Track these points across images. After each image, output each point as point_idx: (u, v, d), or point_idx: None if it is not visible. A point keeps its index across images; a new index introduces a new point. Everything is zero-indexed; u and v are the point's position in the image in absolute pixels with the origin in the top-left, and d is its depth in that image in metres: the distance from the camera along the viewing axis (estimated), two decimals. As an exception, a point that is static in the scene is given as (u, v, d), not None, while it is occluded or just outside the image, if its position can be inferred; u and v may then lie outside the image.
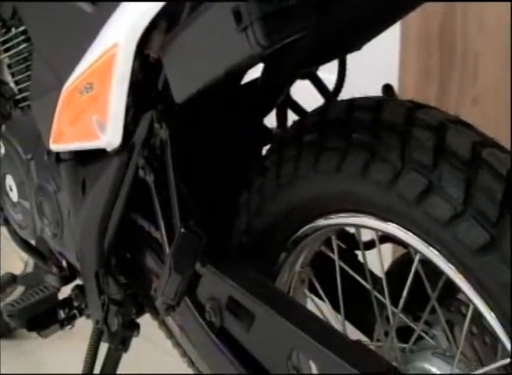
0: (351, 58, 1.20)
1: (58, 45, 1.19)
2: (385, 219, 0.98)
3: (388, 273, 1.11)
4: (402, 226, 0.96)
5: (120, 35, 1.00)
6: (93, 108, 1.10)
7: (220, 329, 1.09)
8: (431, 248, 0.93)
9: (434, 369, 1.05)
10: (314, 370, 1.05)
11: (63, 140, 1.22)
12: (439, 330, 1.09)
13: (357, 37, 1.11)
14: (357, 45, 1.13)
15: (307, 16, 0.86)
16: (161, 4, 0.92)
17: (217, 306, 1.08)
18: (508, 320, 0.87)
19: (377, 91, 1.11)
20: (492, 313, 0.89)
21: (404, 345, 1.09)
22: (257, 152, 1.22)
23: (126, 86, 1.04)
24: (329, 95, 1.21)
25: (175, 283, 1.08)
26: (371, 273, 1.13)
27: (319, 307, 1.20)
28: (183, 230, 1.06)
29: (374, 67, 1.28)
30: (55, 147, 1.24)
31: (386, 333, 1.12)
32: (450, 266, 0.92)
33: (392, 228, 0.97)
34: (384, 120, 0.96)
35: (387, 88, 1.14)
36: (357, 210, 1.01)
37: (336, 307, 1.17)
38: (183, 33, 0.94)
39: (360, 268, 1.14)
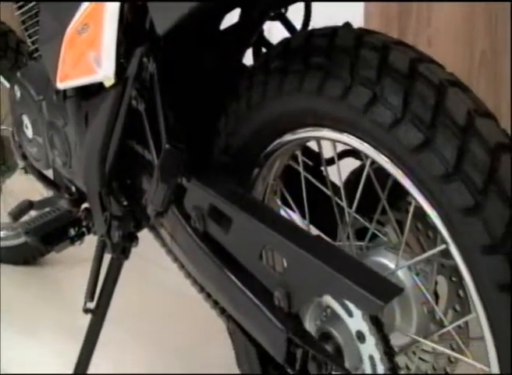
0: (318, 10, 1.21)
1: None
2: (341, 130, 1.00)
3: (346, 182, 1.13)
4: (354, 135, 0.98)
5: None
6: (90, 46, 1.13)
7: (203, 233, 1.12)
8: (378, 152, 0.96)
9: (386, 261, 1.08)
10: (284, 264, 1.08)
11: (68, 78, 1.24)
12: (390, 229, 1.12)
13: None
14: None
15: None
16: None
17: (200, 214, 1.11)
18: (445, 214, 0.90)
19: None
20: (433, 208, 0.92)
21: (361, 243, 1.13)
22: (235, 83, 1.24)
23: (116, 23, 1.06)
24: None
25: (161, 193, 1.11)
26: (333, 184, 1.16)
27: (290, 216, 1.22)
28: (167, 146, 1.09)
29: (340, 17, 1.28)
30: (61, 85, 1.27)
31: (348, 236, 1.15)
32: (395, 167, 0.95)
33: (346, 138, 1.00)
34: (337, 45, 0.98)
35: (347, 25, 1.16)
36: (316, 124, 1.03)
37: (304, 215, 1.20)
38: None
39: (324, 180, 1.17)
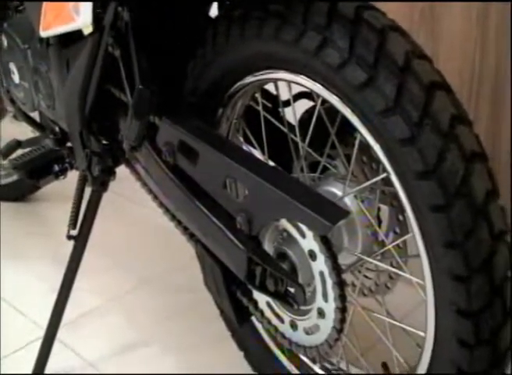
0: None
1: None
2: (295, 72, 1.00)
3: (300, 121, 1.14)
4: (307, 76, 0.99)
5: None
6: (69, -3, 1.12)
7: (174, 166, 1.12)
8: (328, 92, 0.96)
9: (335, 190, 1.10)
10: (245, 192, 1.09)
11: (50, 27, 1.22)
12: (339, 162, 1.14)
13: None
14: None
15: None
16: None
17: (171, 149, 1.11)
18: (386, 145, 0.92)
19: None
20: (376, 141, 0.93)
21: (313, 175, 1.14)
22: (202, 32, 1.23)
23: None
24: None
25: (135, 128, 1.11)
26: (288, 123, 1.17)
27: (251, 151, 1.23)
28: (140, 87, 1.09)
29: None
30: (44, 34, 1.24)
31: (302, 170, 1.16)
32: (343, 104, 0.95)
33: (300, 79, 1.00)
34: (292, -6, 0.98)
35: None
36: (274, 67, 1.03)
37: (263, 151, 1.21)
38: None
39: (281, 119, 1.18)
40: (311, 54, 0.94)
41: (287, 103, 1.18)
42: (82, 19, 1.10)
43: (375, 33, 0.90)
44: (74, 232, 1.32)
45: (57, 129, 1.39)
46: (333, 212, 0.94)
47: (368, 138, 0.95)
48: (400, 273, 1.09)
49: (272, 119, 1.15)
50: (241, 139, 1.22)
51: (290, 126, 1.15)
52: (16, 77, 1.42)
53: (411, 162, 0.88)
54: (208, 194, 1.09)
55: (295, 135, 1.12)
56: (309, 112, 1.15)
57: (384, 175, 0.97)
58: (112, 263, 1.77)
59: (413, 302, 1.24)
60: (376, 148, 0.94)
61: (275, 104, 1.21)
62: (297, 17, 0.95)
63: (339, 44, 0.91)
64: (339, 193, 1.09)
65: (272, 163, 1.21)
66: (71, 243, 1.34)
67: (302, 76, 1.00)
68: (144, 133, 1.12)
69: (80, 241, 1.33)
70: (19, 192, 2.04)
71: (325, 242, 0.99)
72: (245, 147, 1.22)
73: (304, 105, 1.18)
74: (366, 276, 1.17)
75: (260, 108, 1.14)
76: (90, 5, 1.07)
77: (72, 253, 1.34)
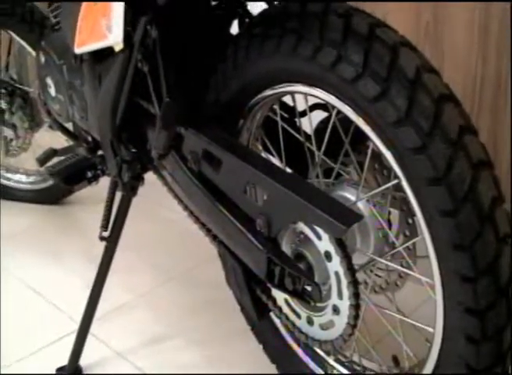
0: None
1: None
2: (312, 85, 0.98)
3: (315, 130, 1.12)
4: (322, 88, 0.97)
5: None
6: (102, 15, 1.10)
7: (198, 173, 1.11)
8: (343, 103, 0.95)
9: (348, 195, 1.08)
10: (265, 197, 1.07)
11: (84, 44, 1.21)
12: (352, 168, 1.12)
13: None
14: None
15: None
16: None
17: (195, 157, 1.10)
18: (398, 154, 0.90)
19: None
20: (387, 149, 0.91)
21: (328, 180, 1.13)
22: (224, 49, 1.22)
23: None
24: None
25: (163, 138, 1.10)
26: (305, 132, 1.15)
27: (269, 159, 1.22)
28: (167, 99, 1.08)
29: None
30: (78, 50, 1.23)
31: (317, 176, 1.15)
32: (356, 115, 0.94)
33: (315, 91, 0.98)
34: (308, 11, 0.97)
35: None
36: (291, 80, 1.02)
37: (281, 159, 1.20)
38: None
39: (297, 129, 1.16)
40: (327, 68, 0.92)
41: (303, 113, 1.17)
42: (114, 36, 1.09)
43: (387, 48, 0.89)
44: (106, 233, 1.31)
45: (89, 138, 1.38)
46: (347, 215, 0.93)
47: (380, 147, 0.93)
48: (410, 272, 1.07)
49: (290, 129, 1.13)
50: (260, 147, 1.21)
51: (306, 136, 1.14)
52: (52, 91, 1.41)
53: (422, 170, 0.86)
54: (229, 198, 1.08)
55: (311, 144, 1.11)
56: (324, 123, 1.13)
57: (395, 181, 0.95)
58: (140, 261, 1.76)
59: (421, 298, 1.22)
60: (388, 156, 0.92)
61: (292, 114, 1.19)
62: (314, 34, 0.94)
63: (354, 59, 0.89)
64: (353, 198, 1.07)
65: (289, 170, 1.19)
66: (103, 243, 1.34)
67: (318, 88, 0.98)
68: (171, 143, 1.11)
69: (112, 242, 1.32)
70: (54, 196, 2.04)
71: (340, 244, 0.97)
72: (264, 155, 1.21)
73: (319, 115, 1.16)
74: (377, 275, 1.15)
75: (278, 118, 1.13)
76: (121, 23, 1.07)
77: (104, 253, 1.33)
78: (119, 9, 1.05)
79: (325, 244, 0.99)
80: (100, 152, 1.38)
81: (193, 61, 1.16)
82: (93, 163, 1.37)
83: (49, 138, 1.91)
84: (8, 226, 1.92)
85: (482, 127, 1.48)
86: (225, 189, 1.08)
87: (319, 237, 1.00)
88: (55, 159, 1.46)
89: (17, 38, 1.76)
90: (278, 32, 0.98)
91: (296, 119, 1.18)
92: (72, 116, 1.39)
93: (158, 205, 1.94)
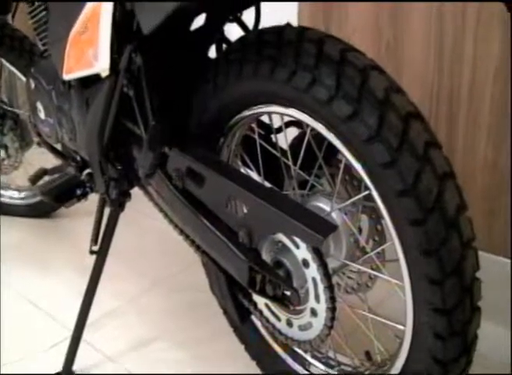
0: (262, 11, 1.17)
1: (66, 8, 1.14)
2: (287, 106, 0.96)
3: (290, 146, 1.10)
4: (298, 109, 0.95)
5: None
6: (89, 45, 1.06)
7: (182, 189, 1.08)
8: (317, 122, 0.93)
9: (322, 205, 1.06)
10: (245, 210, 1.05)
11: (72, 71, 1.17)
12: (325, 180, 1.10)
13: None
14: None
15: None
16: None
17: (180, 174, 1.07)
18: (364, 163, 0.88)
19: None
20: (359, 163, 0.90)
21: (303, 192, 1.10)
22: (203, 72, 1.18)
23: (109, 26, 1.00)
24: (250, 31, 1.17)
25: (149, 159, 1.07)
26: (281, 148, 1.13)
27: (248, 173, 1.19)
28: (153, 122, 1.05)
29: (280, 17, 1.23)
30: (66, 77, 1.19)
31: (293, 188, 1.13)
32: (329, 133, 0.92)
33: (292, 111, 0.96)
34: (283, 39, 0.95)
35: (288, 25, 1.12)
36: (269, 102, 0.99)
37: (259, 173, 1.17)
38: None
39: (274, 145, 1.14)
40: (302, 91, 0.90)
41: (279, 130, 1.15)
42: (100, 64, 1.06)
43: (357, 72, 0.87)
44: (96, 247, 1.27)
45: (78, 158, 1.34)
46: (324, 226, 0.91)
47: (352, 162, 0.91)
48: (380, 275, 1.05)
49: (267, 146, 1.11)
50: (239, 163, 1.18)
51: (282, 151, 1.12)
52: (42, 114, 1.37)
53: (392, 183, 0.84)
54: (212, 212, 1.05)
55: (286, 159, 1.09)
56: (298, 139, 1.11)
57: (366, 192, 0.94)
58: (126, 268, 1.72)
59: (389, 296, 1.20)
60: (360, 170, 0.90)
61: (268, 131, 1.17)
62: (289, 59, 0.92)
63: (327, 82, 0.88)
64: (327, 207, 1.05)
65: (267, 183, 1.17)
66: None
67: (293, 109, 0.96)
68: (157, 163, 1.08)
69: (101, 255, 1.28)
70: (44, 210, 1.98)
71: (317, 252, 0.95)
72: (243, 169, 1.18)
73: (293, 131, 1.14)
74: (349, 277, 1.13)
75: (256, 136, 1.10)
76: (107, 52, 1.03)
77: (95, 265, 1.29)
78: (105, 39, 1.02)
79: (302, 252, 0.97)
80: (88, 171, 1.34)
81: (175, 84, 1.13)
82: (81, 181, 1.33)
83: (38, 156, 1.86)
84: (1, 240, 1.86)
85: (439, 136, 1.48)
86: (208, 203, 1.05)
87: (297, 246, 0.98)
88: (46, 178, 1.41)
89: (7, 64, 1.71)
90: (255, 57, 0.96)
91: (273, 136, 1.16)
92: (61, 138, 1.34)
93: (141, 214, 1.90)
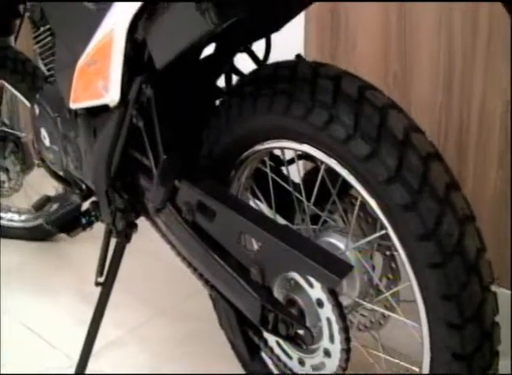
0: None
1: (73, 34, 1.12)
2: (302, 142, 0.95)
3: (303, 180, 1.08)
4: (313, 146, 0.93)
5: (114, 25, 0.96)
6: (98, 76, 1.05)
7: (192, 223, 1.06)
8: (332, 159, 0.92)
9: (334, 241, 1.04)
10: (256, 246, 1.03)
11: (79, 100, 1.16)
12: (338, 216, 1.08)
13: (280, 22, 1.07)
14: (278, 28, 1.09)
15: (248, 3, 0.83)
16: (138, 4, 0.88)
17: (190, 208, 1.05)
18: (382, 203, 0.87)
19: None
20: (376, 204, 0.88)
21: (315, 227, 1.08)
22: (212, 102, 1.17)
23: (121, 59, 0.99)
24: (260, 62, 1.16)
25: (160, 194, 1.04)
26: (293, 181, 1.11)
27: (258, 205, 1.17)
28: (164, 157, 1.03)
29: (287, 46, 1.22)
30: (73, 106, 1.18)
31: (303, 220, 1.11)
32: (345, 171, 0.90)
33: (306, 148, 0.95)
34: (298, 74, 0.93)
35: (298, 56, 1.10)
36: (282, 137, 0.98)
37: (269, 205, 1.15)
38: (160, 18, 0.90)
39: (285, 178, 1.12)
40: (319, 128, 0.89)
41: (291, 161, 1.13)
42: (111, 96, 1.05)
43: (376, 110, 0.85)
44: (101, 279, 1.24)
45: (83, 186, 1.32)
46: (340, 266, 0.89)
47: (369, 202, 0.89)
48: (396, 316, 1.03)
49: (279, 180, 1.09)
50: (249, 195, 1.16)
51: (294, 184, 1.10)
52: (46, 141, 1.35)
53: (412, 226, 0.83)
54: (223, 247, 1.03)
55: (299, 192, 1.07)
56: (311, 173, 1.09)
57: (383, 232, 0.92)
58: (128, 296, 1.69)
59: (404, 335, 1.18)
60: (377, 210, 0.88)
61: (280, 163, 1.15)
62: (305, 95, 0.90)
63: (345, 120, 0.86)
64: (340, 244, 1.03)
65: (277, 215, 1.15)
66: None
67: (308, 145, 0.94)
68: (168, 198, 1.06)
69: (107, 287, 1.25)
70: (45, 233, 1.95)
71: (332, 292, 0.93)
72: (253, 201, 1.16)
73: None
74: (362, 315, 1.11)
75: (268, 170, 1.08)
76: (118, 84, 1.02)
77: (100, 297, 1.26)
78: (117, 72, 1.00)
79: (316, 291, 0.95)
80: (93, 199, 1.32)
81: (185, 114, 1.11)
82: (86, 210, 1.31)
83: (39, 178, 1.83)
84: (1, 263, 1.83)
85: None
86: (219, 238, 1.03)
87: (311, 285, 0.96)
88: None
89: (9, 87, 1.69)
90: (270, 92, 0.94)
91: (285, 170, 1.13)
92: (66, 165, 1.32)
93: (144, 239, 1.87)
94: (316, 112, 0.88)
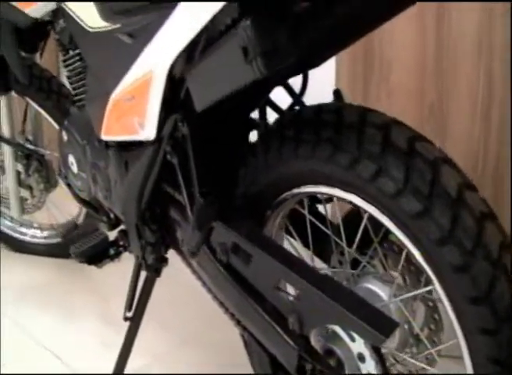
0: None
1: (106, 66, 1.10)
2: (346, 191, 0.91)
3: (343, 221, 1.05)
4: (359, 196, 0.90)
5: (155, 65, 0.93)
6: (134, 112, 1.02)
7: (227, 264, 1.03)
8: (378, 211, 0.88)
9: (375, 288, 1.01)
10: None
11: (111, 133, 1.13)
12: (377, 261, 1.05)
13: (321, 58, 1.03)
14: (319, 64, 1.05)
15: (295, 50, 0.80)
16: (184, 44, 0.85)
17: (224, 249, 1.02)
18: (432, 262, 0.83)
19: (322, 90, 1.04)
20: (421, 258, 0.85)
21: (353, 271, 1.05)
22: (246, 136, 1.14)
23: (160, 99, 0.96)
24: (297, 97, 1.13)
25: (196, 238, 1.02)
26: (330, 221, 1.08)
27: (292, 244, 1.15)
28: (201, 201, 1.00)
29: (318, 75, 1.18)
30: (105, 137, 1.16)
31: (340, 262, 1.08)
32: (393, 224, 0.87)
33: (352, 197, 0.91)
34: (344, 120, 0.90)
35: (337, 92, 1.08)
36: (325, 184, 0.94)
37: (302, 242, 1.12)
38: (203, 61, 0.87)
39: (323, 217, 1.09)
40: (366, 180, 0.85)
41: (329, 199, 1.10)
42: (146, 133, 1.02)
43: (428, 165, 0.82)
44: (130, 314, 1.22)
45: (111, 215, 1.30)
46: (386, 324, 0.85)
47: (417, 257, 0.86)
48: (432, 370, 0.99)
49: (317, 222, 1.06)
50: (283, 233, 1.13)
51: (332, 224, 1.06)
52: (74, 168, 1.33)
53: (464, 288, 0.79)
54: (259, 292, 1.00)
55: (337, 234, 1.04)
56: (351, 214, 1.06)
57: (430, 288, 0.89)
58: (153, 323, 1.65)
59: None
60: (426, 267, 0.85)
61: (317, 202, 1.12)
62: (351, 145, 0.87)
63: (394, 174, 0.83)
64: (381, 293, 0.99)
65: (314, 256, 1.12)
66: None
67: (354, 195, 0.91)
68: (204, 241, 1.03)
69: (135, 321, 1.23)
70: (67, 251, 1.92)
71: (376, 348, 0.90)
72: (287, 239, 1.14)
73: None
74: (403, 364, 1.08)
75: (305, 211, 1.05)
76: (156, 122, 0.99)
77: (128, 332, 1.24)
78: (154, 111, 0.97)
79: (358, 346, 0.92)
80: (121, 228, 1.30)
81: (220, 151, 1.08)
82: (114, 240, 1.29)
83: (62, 194, 1.81)
84: (23, 279, 1.82)
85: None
86: (255, 283, 1.00)
87: (352, 339, 0.93)
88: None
89: (34, 105, 1.67)
90: (313, 139, 0.91)
91: (322, 208, 1.10)
92: (94, 193, 1.30)
93: (171, 268, 1.86)
94: (363, 163, 0.85)
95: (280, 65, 0.79)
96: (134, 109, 1.01)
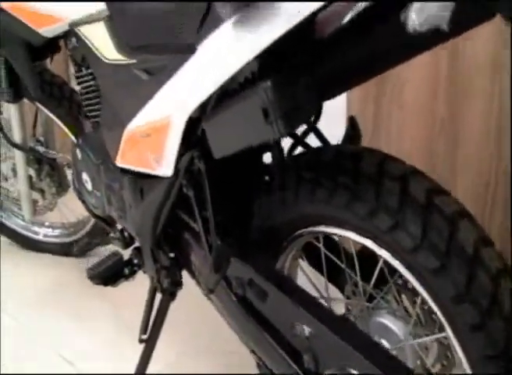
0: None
1: (121, 98, 1.09)
2: (365, 237, 0.93)
3: (358, 256, 1.05)
4: (376, 244, 0.91)
5: (174, 111, 0.93)
6: (150, 148, 1.03)
7: (242, 298, 1.05)
8: (395, 261, 0.89)
9: (389, 324, 1.03)
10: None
11: (127, 162, 1.13)
12: (391, 297, 1.06)
13: (338, 92, 1.03)
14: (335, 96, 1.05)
15: (314, 105, 0.80)
16: (205, 96, 0.85)
17: (241, 283, 1.04)
18: (455, 328, 0.85)
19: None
20: (437, 309, 0.87)
21: (368, 304, 1.07)
22: (259, 179, 1.13)
23: (178, 143, 0.96)
24: (311, 124, 1.12)
25: (214, 278, 1.03)
26: (345, 251, 1.09)
27: (306, 273, 1.16)
28: (219, 243, 1.01)
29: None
30: (120, 163, 1.16)
31: (354, 293, 1.09)
32: (410, 274, 0.88)
33: (368, 242, 0.93)
34: (363, 168, 0.90)
35: (352, 119, 1.08)
36: (341, 227, 0.95)
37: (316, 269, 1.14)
38: (222, 113, 0.87)
39: (337, 247, 1.10)
40: (383, 231, 0.86)
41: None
42: (163, 170, 1.02)
43: (446, 220, 0.83)
44: (145, 336, 1.24)
45: (126, 234, 1.31)
46: (399, 370, 0.88)
47: (433, 307, 0.88)
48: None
49: (333, 257, 1.07)
50: (299, 265, 1.15)
51: (347, 254, 1.07)
52: (88, 185, 1.33)
53: (480, 347, 0.81)
54: (275, 327, 1.02)
55: (351, 265, 1.05)
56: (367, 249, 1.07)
57: (443, 334, 0.90)
58: (169, 333, 1.67)
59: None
60: (442, 319, 0.87)
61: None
62: (368, 195, 0.88)
63: (412, 229, 0.84)
64: (395, 329, 1.01)
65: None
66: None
67: (371, 242, 0.92)
68: (221, 279, 1.04)
69: (150, 343, 1.25)
70: (78, 249, 1.94)
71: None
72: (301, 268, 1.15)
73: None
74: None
75: (321, 245, 1.07)
76: (173, 160, 0.99)
77: (143, 353, 1.27)
78: (172, 151, 0.98)
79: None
80: (135, 245, 1.31)
81: (233, 188, 1.09)
82: (129, 259, 1.30)
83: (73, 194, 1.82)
84: (37, 281, 1.84)
85: (496, 220, 1.43)
86: (270, 318, 1.02)
87: (367, 380, 0.95)
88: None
89: (45, 110, 1.67)
90: (330, 185, 0.92)
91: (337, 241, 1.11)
92: (108, 212, 1.31)
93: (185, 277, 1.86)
94: (380, 216, 0.86)
95: (300, 124, 0.79)
96: (150, 147, 1.02)
